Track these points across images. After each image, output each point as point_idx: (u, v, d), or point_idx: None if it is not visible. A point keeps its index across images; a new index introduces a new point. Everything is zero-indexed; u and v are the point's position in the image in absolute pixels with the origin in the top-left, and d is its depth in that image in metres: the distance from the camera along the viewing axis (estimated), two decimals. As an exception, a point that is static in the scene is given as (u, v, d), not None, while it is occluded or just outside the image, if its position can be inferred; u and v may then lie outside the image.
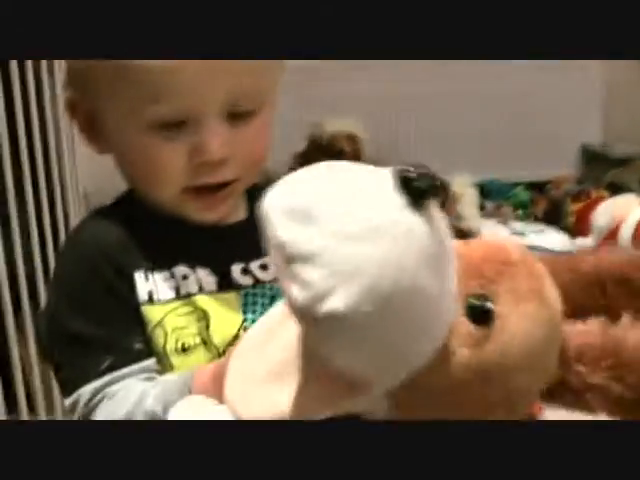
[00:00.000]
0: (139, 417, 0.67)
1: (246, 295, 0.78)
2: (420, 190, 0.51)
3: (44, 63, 2.08)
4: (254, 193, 0.81)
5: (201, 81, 0.72)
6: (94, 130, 0.80)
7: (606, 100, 3.53)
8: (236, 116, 0.75)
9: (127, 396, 0.69)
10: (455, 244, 0.58)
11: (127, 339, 0.73)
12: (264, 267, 0.79)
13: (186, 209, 0.78)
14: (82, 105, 0.79)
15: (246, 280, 0.78)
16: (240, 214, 0.82)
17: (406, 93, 3.34)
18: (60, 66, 2.09)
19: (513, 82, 3.43)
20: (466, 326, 0.55)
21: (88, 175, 2.39)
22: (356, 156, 2.67)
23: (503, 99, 3.43)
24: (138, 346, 0.73)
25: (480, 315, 0.55)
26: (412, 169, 0.52)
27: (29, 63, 1.97)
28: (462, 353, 0.55)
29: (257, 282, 0.78)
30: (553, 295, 0.59)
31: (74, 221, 2.22)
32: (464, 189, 2.76)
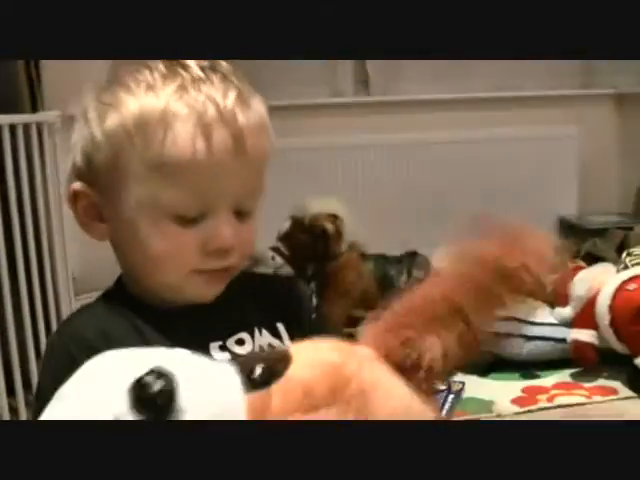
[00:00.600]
0: None
1: None
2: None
3: (36, 152, 2.14)
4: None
5: (218, 181, 0.81)
6: (96, 219, 0.86)
7: (582, 172, 3.63)
8: (240, 213, 0.84)
9: None
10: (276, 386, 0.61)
11: None
12: (240, 342, 0.86)
13: (186, 289, 0.85)
14: (88, 197, 0.85)
15: (224, 356, 0.83)
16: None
17: (386, 172, 3.43)
18: (53, 158, 2.14)
19: (490, 155, 3.53)
20: None
21: (76, 260, 2.43)
22: (338, 235, 2.73)
23: (480, 172, 3.52)
24: None
25: None
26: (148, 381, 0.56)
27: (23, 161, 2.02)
28: None
29: (235, 357, 0.82)
30: (381, 404, 0.62)
31: (64, 306, 2.24)
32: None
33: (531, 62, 3.29)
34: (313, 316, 0.96)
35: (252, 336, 0.87)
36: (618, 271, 2.50)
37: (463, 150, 3.52)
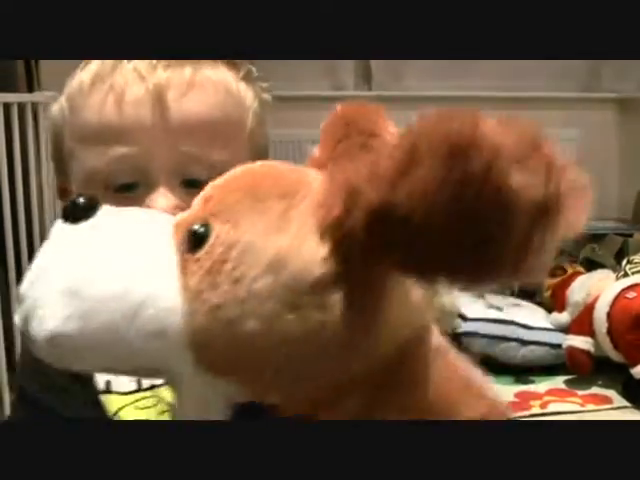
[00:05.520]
0: None
1: None
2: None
3: (30, 132, 2.10)
4: None
5: (139, 143, 0.73)
6: None
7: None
8: (192, 184, 0.74)
9: None
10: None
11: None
12: None
13: None
14: (69, 189, 0.81)
15: None
16: None
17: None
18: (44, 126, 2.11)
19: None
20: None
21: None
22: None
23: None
24: None
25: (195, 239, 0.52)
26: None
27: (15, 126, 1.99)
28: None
29: None
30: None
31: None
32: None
33: (534, 63, 3.27)
34: None
35: None
36: (617, 278, 2.48)
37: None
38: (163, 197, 0.73)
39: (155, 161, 0.73)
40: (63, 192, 0.83)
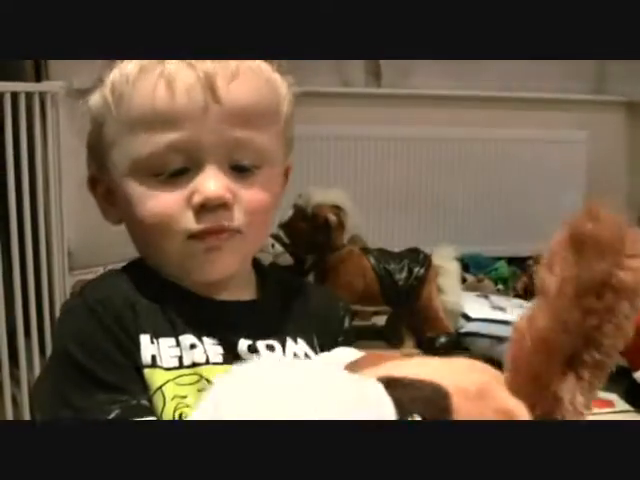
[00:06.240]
0: None
1: None
2: None
3: (37, 122, 2.09)
4: (264, 276, 0.86)
5: (190, 130, 0.76)
6: (110, 203, 0.84)
7: (588, 178, 3.59)
8: (238, 169, 0.78)
9: None
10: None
11: (135, 394, 0.73)
12: (271, 348, 0.80)
13: (186, 263, 0.79)
14: (101, 180, 0.83)
15: (252, 357, 0.78)
16: (250, 294, 0.85)
17: (392, 166, 3.39)
18: (53, 127, 2.10)
19: (497, 155, 3.49)
20: None
21: (73, 234, 2.38)
22: (340, 226, 2.68)
23: (486, 172, 3.48)
24: (144, 403, 0.73)
25: None
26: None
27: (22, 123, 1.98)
28: None
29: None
30: None
31: (58, 278, 2.20)
32: (446, 262, 2.77)
33: (544, 64, 3.25)
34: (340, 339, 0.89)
35: (283, 345, 0.82)
36: (622, 282, 2.47)
37: (470, 148, 3.49)
38: (213, 179, 0.76)
39: (206, 146, 0.76)
40: (93, 182, 0.85)
